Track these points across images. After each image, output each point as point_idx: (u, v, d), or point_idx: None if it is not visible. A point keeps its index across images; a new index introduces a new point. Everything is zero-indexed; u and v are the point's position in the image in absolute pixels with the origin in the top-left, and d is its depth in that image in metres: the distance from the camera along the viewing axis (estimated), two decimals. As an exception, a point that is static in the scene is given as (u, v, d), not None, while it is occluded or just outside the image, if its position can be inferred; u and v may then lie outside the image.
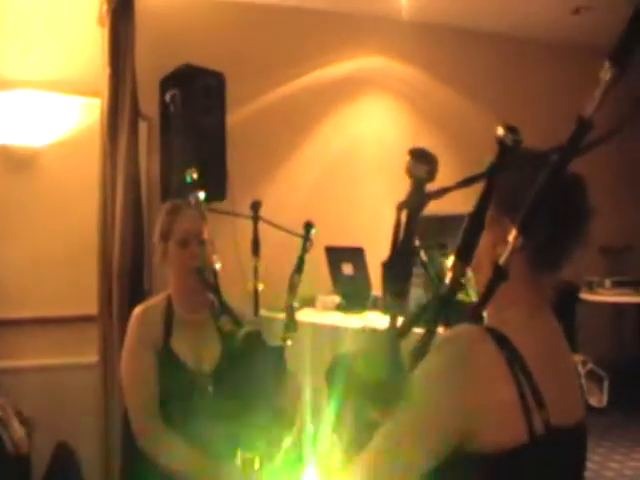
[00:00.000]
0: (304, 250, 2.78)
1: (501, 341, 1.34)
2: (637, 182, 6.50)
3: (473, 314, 1.31)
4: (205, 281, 2.39)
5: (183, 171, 2.59)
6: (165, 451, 2.33)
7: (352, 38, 5.41)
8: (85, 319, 4.28)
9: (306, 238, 2.78)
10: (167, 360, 2.39)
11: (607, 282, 6.09)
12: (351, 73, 5.41)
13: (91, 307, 4.15)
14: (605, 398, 5.57)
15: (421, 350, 1.30)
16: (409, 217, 1.34)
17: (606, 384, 5.62)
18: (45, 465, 3.42)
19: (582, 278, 5.91)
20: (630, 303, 6.11)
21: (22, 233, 4.30)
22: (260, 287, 2.77)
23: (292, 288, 2.66)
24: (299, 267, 2.72)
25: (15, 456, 2.74)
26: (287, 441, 2.43)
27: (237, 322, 2.40)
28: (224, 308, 2.40)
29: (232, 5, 4.96)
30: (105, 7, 4.18)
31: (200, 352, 2.44)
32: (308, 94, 5.28)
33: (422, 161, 1.29)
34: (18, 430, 2.91)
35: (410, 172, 1.30)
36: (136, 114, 4.27)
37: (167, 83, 4.38)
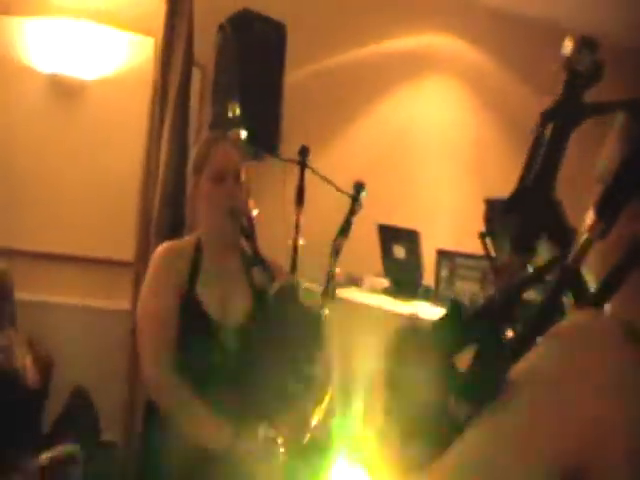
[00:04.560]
0: (352, 212, 2.58)
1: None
2: None
3: (598, 300, 0.99)
4: (239, 224, 2.19)
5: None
6: (177, 407, 2.13)
7: (423, 13, 5.13)
8: (120, 264, 4.12)
9: (355, 199, 2.57)
10: (189, 307, 2.17)
11: None
12: (418, 49, 5.13)
13: (127, 252, 3.99)
14: None
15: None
16: (557, 133, 1.01)
17: None
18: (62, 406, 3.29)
19: None
20: None
21: (64, 166, 4.16)
22: (301, 242, 2.55)
23: (335, 252, 2.47)
24: (345, 230, 2.52)
25: (25, 390, 2.57)
26: (315, 418, 2.22)
27: (271, 275, 2.21)
28: (258, 258, 2.20)
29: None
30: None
31: (227, 304, 2.22)
32: (372, 64, 5.02)
33: (588, 48, 0.96)
34: (27, 363, 2.75)
35: (569, 62, 0.97)
36: (190, 59, 4.09)
37: (224, 29, 4.16)
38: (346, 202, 2.58)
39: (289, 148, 4.31)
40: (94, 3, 4.16)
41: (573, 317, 1.01)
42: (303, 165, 2.61)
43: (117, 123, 4.22)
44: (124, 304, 3.94)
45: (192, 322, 2.17)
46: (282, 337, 2.12)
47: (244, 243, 2.23)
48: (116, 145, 4.22)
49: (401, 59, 5.05)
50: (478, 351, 1.12)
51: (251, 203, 2.27)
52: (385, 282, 4.32)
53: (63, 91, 4.15)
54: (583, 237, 1.00)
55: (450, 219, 4.63)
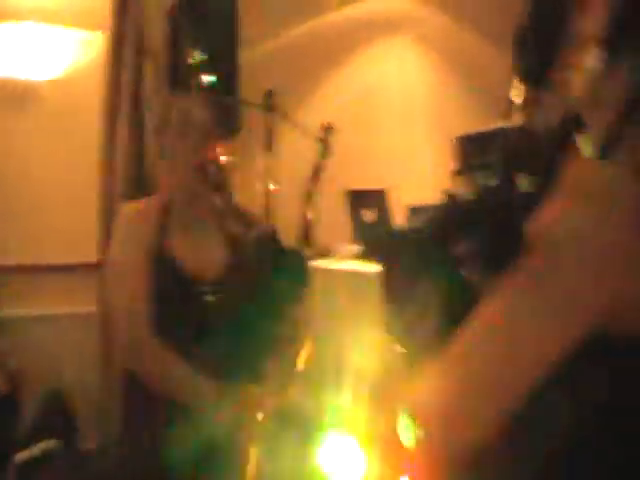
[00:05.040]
0: (322, 155, 2.48)
1: None
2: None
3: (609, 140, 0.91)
4: (207, 178, 2.08)
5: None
6: (157, 367, 1.98)
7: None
8: (83, 267, 3.98)
9: (324, 141, 2.48)
10: (161, 264, 2.03)
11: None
12: (378, 12, 5.03)
13: (90, 254, 3.86)
14: None
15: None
16: None
17: None
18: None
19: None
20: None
21: (21, 172, 4.00)
22: (271, 187, 2.44)
23: (308, 197, 2.36)
24: (316, 173, 2.42)
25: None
26: (298, 367, 2.10)
27: (247, 224, 2.11)
28: (231, 208, 2.10)
29: None
30: None
31: (202, 257, 2.09)
32: (332, 30, 4.88)
33: None
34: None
35: None
36: (142, 48, 3.99)
37: (174, 11, 4.04)
38: (315, 150, 2.48)
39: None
40: (38, 3, 4.03)
41: (593, 171, 0.93)
42: (270, 109, 2.50)
43: (72, 122, 4.08)
44: (91, 308, 3.83)
45: (167, 279, 2.03)
46: (265, 283, 2.01)
47: (215, 195, 2.12)
48: (72, 144, 4.08)
49: (362, 23, 4.95)
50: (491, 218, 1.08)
51: (219, 152, 2.16)
52: (356, 248, 4.23)
53: (15, 95, 4.01)
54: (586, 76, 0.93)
55: (418, 176, 4.58)
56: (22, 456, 2.28)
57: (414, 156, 4.88)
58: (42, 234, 4.01)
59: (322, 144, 2.39)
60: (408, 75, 5.17)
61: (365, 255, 4.06)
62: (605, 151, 0.92)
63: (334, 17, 4.92)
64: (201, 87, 2.09)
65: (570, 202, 0.91)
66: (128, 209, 2.14)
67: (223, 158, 2.13)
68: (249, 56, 4.10)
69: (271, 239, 2.09)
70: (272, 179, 2.35)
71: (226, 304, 2.04)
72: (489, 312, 0.90)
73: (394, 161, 4.84)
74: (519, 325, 0.87)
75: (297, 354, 2.07)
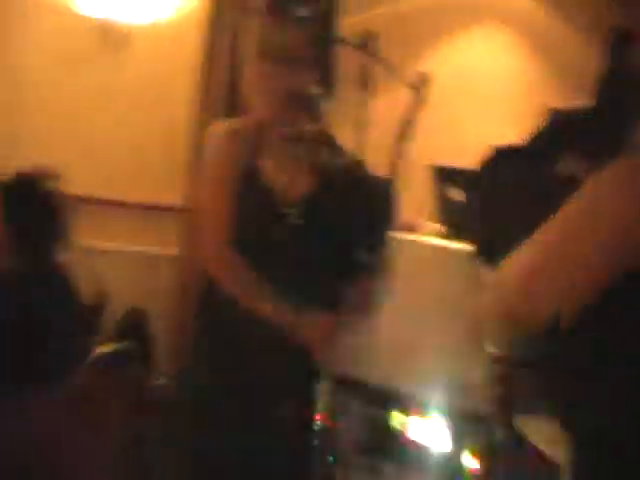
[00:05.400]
0: (416, 103, 2.43)
1: None
2: None
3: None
4: (301, 106, 2.07)
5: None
6: (235, 281, 2.00)
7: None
8: (168, 209, 4.05)
9: (419, 90, 2.43)
10: (251, 180, 2.04)
11: None
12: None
13: (176, 197, 3.93)
14: None
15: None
16: None
17: None
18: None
19: None
20: None
21: (114, 112, 4.12)
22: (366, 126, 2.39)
23: (401, 138, 2.31)
24: (409, 120, 2.37)
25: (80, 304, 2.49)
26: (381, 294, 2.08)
27: (337, 152, 2.09)
28: (323, 135, 2.08)
29: None
30: None
31: (289, 181, 2.08)
32: (420, 14, 4.87)
33: None
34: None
35: None
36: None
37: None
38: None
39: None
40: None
41: None
42: (365, 48, 2.45)
43: (166, 67, 4.17)
44: (172, 250, 3.88)
45: (254, 197, 2.04)
46: (349, 210, 1.99)
47: (307, 121, 2.11)
48: (166, 91, 4.16)
49: (452, 8, 4.90)
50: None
51: (309, 80, 2.13)
52: (442, 227, 4.14)
53: (112, 37, 4.10)
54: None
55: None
56: (101, 350, 2.33)
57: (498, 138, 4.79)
58: (133, 172, 4.11)
59: (416, 92, 2.33)
60: (497, 61, 5.09)
61: (451, 235, 3.99)
62: None
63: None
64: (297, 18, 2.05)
65: None
66: (220, 127, 2.14)
67: (316, 89, 2.11)
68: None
69: (359, 168, 2.08)
70: (364, 123, 2.30)
71: (310, 228, 2.03)
72: (571, 206, 0.93)
73: (477, 141, 4.75)
74: (596, 216, 0.90)
75: (378, 286, 2.06)
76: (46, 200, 2.36)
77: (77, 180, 3.81)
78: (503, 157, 1.21)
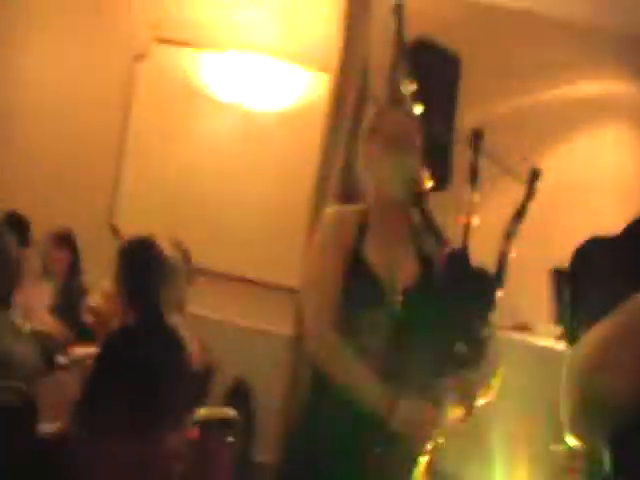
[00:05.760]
0: (527, 197, 2.46)
1: None
2: None
3: None
4: (411, 192, 2.14)
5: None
6: (337, 364, 2.04)
7: (604, 57, 4.97)
8: (285, 289, 4.17)
9: (531, 183, 2.47)
10: (356, 269, 2.11)
11: None
12: (597, 94, 4.96)
13: (293, 278, 4.05)
14: None
15: None
16: None
17: None
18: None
19: None
20: None
21: (240, 188, 4.36)
22: (475, 221, 2.43)
23: (509, 235, 2.34)
24: (520, 214, 2.40)
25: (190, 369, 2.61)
26: (484, 395, 2.07)
27: (441, 242, 2.13)
28: (428, 223, 2.13)
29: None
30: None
31: (394, 267, 2.14)
32: (547, 108, 4.89)
33: None
34: (193, 346, 2.81)
35: None
36: (364, 93, 4.18)
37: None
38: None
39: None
40: (272, 39, 4.40)
41: None
42: (476, 147, 2.52)
43: (289, 153, 4.37)
44: (286, 329, 3.97)
45: (359, 283, 2.10)
46: (451, 301, 2.02)
47: (414, 210, 2.18)
48: (290, 175, 4.35)
49: (579, 104, 4.89)
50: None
51: (422, 171, 2.22)
52: (557, 329, 4.06)
53: (242, 121, 4.37)
54: None
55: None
56: (203, 412, 2.41)
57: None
58: (255, 250, 4.30)
59: (528, 187, 2.37)
60: (622, 157, 5.00)
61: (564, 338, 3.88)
62: None
63: (550, 96, 4.91)
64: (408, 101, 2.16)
65: None
66: (330, 212, 2.24)
67: (427, 181, 2.19)
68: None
69: (463, 259, 2.11)
70: (473, 215, 2.34)
71: (414, 315, 2.06)
72: None
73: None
74: None
75: (478, 382, 2.05)
76: (161, 264, 2.50)
77: (201, 252, 4.10)
78: (597, 244, 1.18)
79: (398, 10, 2.42)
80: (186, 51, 4.51)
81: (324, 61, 4.31)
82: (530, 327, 4.25)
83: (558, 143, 4.90)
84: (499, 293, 2.18)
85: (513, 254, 2.37)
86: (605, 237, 1.16)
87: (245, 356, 4.08)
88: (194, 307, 3.83)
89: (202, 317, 4.01)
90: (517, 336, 3.88)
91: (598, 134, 4.94)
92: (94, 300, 3.40)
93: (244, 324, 4.24)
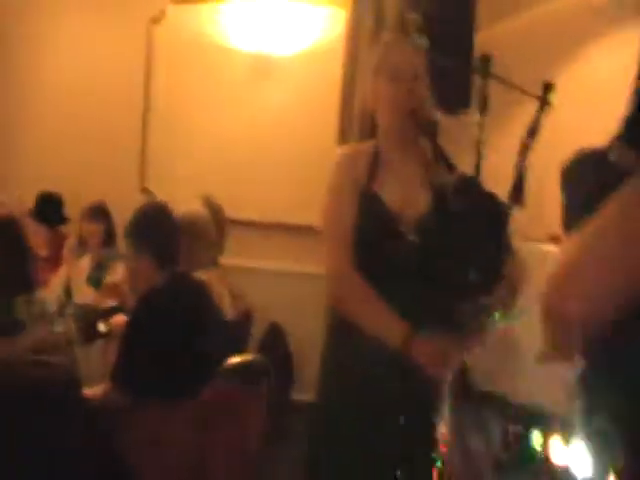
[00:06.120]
0: (540, 110, 2.39)
1: None
2: None
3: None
4: (418, 124, 2.11)
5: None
6: (354, 299, 2.06)
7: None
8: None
9: (544, 96, 2.39)
10: (369, 203, 2.11)
11: None
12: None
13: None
14: None
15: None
16: None
17: None
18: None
19: None
20: None
21: (266, 136, 4.37)
22: (484, 147, 2.38)
23: (523, 150, 2.28)
24: (533, 130, 2.33)
25: (220, 320, 2.66)
26: (499, 320, 2.06)
27: (453, 171, 2.10)
28: (438, 155, 2.11)
29: None
30: None
31: (407, 199, 2.13)
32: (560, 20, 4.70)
33: None
34: (224, 298, 2.85)
35: None
36: (379, 28, 4.10)
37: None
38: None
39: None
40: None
41: None
42: (486, 74, 2.45)
43: (313, 94, 4.34)
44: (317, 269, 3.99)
45: (372, 216, 2.10)
46: (463, 227, 1.99)
47: (424, 141, 2.15)
48: (312, 114, 4.33)
49: (589, 15, 4.68)
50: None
51: (429, 102, 2.18)
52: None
53: (263, 68, 4.34)
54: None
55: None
56: (234, 362, 2.45)
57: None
58: (285, 194, 4.29)
59: (541, 101, 2.29)
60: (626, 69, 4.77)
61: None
62: None
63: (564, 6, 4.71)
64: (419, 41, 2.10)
65: None
66: (343, 151, 2.25)
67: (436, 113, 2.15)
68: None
69: (474, 187, 2.07)
70: (484, 144, 2.29)
71: (426, 247, 2.05)
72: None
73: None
74: None
75: (495, 307, 2.04)
76: (173, 226, 2.54)
77: (232, 204, 4.12)
78: (585, 160, 1.16)
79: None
80: (201, 8, 4.48)
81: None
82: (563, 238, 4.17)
83: (574, 55, 4.73)
84: (518, 212, 2.15)
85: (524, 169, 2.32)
86: (591, 152, 1.14)
87: (281, 299, 4.12)
88: (229, 258, 3.90)
89: (237, 267, 4.06)
90: (550, 247, 3.81)
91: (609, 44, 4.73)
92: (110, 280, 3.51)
93: (278, 268, 4.27)
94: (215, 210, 3.41)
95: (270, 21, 4.33)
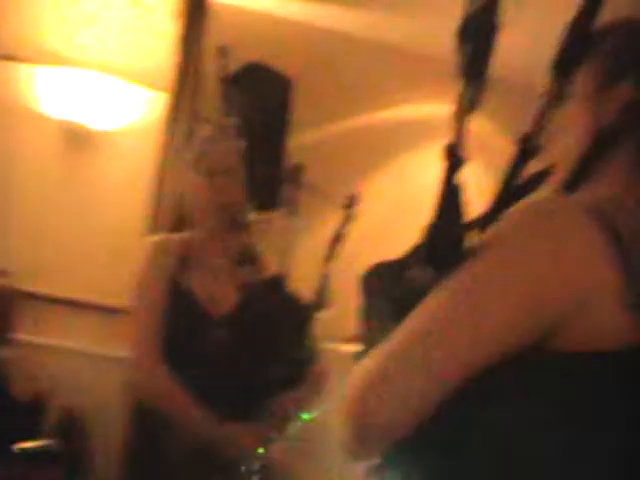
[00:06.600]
0: (344, 221, 2.59)
1: (602, 218, 0.97)
2: None
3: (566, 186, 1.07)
4: (229, 219, 2.21)
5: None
6: (159, 392, 2.08)
7: (429, 81, 5.21)
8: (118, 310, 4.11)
9: (348, 208, 2.59)
10: (178, 299, 2.16)
11: None
12: (419, 116, 5.19)
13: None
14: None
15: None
16: None
17: None
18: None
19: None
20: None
21: (71, 212, 4.24)
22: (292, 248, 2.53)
23: (328, 257, 2.45)
24: (337, 238, 2.52)
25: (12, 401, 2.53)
26: (309, 411, 2.15)
27: (260, 269, 2.21)
28: (247, 252, 2.21)
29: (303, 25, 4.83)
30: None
31: (216, 295, 2.20)
32: (372, 132, 5.08)
33: None
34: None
35: None
36: (196, 115, 4.19)
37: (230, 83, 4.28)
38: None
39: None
40: (114, 57, 4.31)
41: (537, 200, 1.05)
42: (298, 184, 2.63)
43: (123, 174, 4.30)
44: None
45: (180, 308, 2.15)
46: (268, 326, 2.10)
47: (236, 238, 2.25)
48: (123, 195, 4.28)
49: (402, 127, 5.10)
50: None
51: (245, 197, 2.28)
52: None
53: (74, 139, 4.25)
54: (540, 104, 1.04)
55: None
56: (23, 446, 2.34)
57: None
58: (91, 273, 4.17)
59: (345, 212, 2.49)
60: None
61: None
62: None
63: (374, 118, 5.09)
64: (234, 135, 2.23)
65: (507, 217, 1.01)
66: (151, 241, 2.28)
67: (249, 212, 2.26)
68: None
69: (280, 287, 2.19)
70: (294, 245, 2.44)
71: (233, 341, 2.13)
72: (435, 297, 0.95)
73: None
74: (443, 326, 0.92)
75: (300, 399, 2.14)
76: None
77: (28, 277, 3.94)
78: (378, 271, 1.19)
79: (222, 52, 2.48)
80: (14, 66, 4.32)
81: (161, 80, 4.27)
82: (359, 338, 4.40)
83: (384, 166, 5.09)
84: (322, 313, 2.29)
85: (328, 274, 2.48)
86: (388, 262, 1.18)
87: (78, 382, 3.96)
88: (23, 334, 3.72)
89: (31, 344, 3.89)
90: (347, 348, 4.01)
91: (419, 157, 5.17)
92: None
93: (76, 348, 4.12)
94: (8, 283, 3.27)
95: (88, 93, 4.27)
